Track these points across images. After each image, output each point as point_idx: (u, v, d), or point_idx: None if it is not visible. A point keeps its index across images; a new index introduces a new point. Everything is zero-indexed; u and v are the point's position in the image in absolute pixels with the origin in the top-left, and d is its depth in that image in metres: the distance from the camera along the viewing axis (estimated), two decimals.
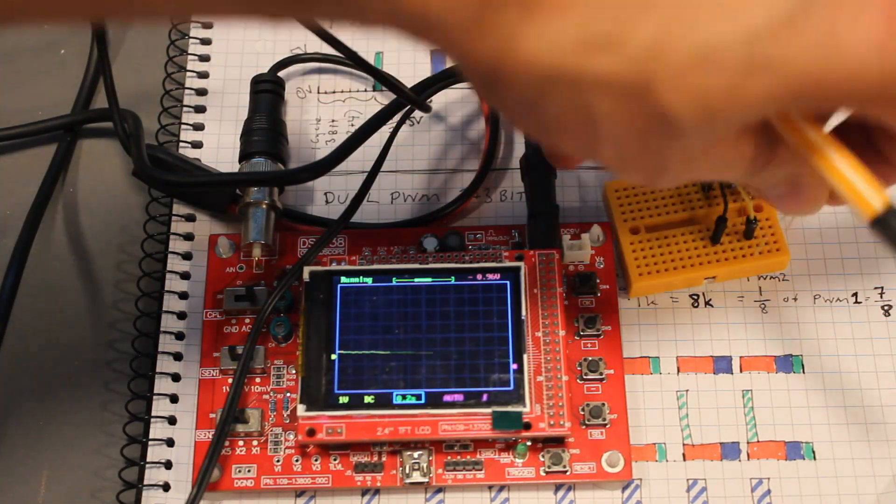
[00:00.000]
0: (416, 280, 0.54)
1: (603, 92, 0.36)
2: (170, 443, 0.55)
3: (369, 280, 0.54)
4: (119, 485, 0.54)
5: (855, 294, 0.57)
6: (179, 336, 0.57)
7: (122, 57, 0.65)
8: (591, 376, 0.54)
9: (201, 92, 0.63)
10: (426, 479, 0.52)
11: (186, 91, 0.63)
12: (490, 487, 0.53)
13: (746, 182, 0.43)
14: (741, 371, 0.55)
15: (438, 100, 0.62)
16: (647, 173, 0.41)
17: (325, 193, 0.60)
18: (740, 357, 0.56)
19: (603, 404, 0.53)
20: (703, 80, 0.35)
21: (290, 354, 0.55)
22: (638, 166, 0.40)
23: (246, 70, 0.63)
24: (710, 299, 0.57)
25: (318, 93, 0.64)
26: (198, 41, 0.65)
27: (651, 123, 0.37)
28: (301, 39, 0.65)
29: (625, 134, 0.38)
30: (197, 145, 0.62)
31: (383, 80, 0.56)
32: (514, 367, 0.52)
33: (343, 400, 0.52)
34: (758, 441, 0.54)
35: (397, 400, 0.52)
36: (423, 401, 0.51)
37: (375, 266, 0.55)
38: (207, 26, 0.65)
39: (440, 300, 0.53)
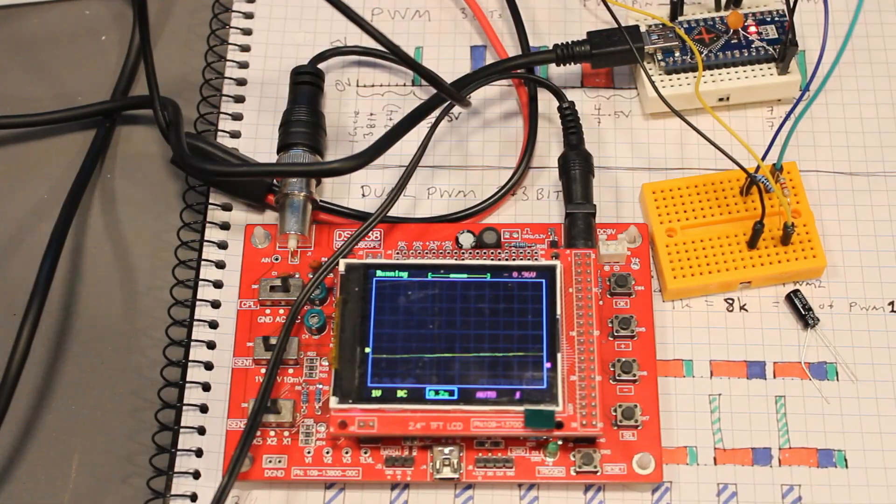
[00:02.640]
0: (451, 276, 0.54)
1: None
2: (201, 431, 0.55)
3: (405, 274, 0.54)
4: (149, 471, 0.54)
5: (892, 303, 0.57)
6: (213, 325, 0.57)
7: (162, 45, 0.66)
8: (624, 377, 0.54)
9: (241, 82, 0.63)
10: (456, 475, 0.52)
11: (226, 81, 0.63)
12: (520, 485, 0.53)
13: None
14: (774, 377, 0.55)
15: (477, 96, 0.62)
16: None
17: (362, 186, 0.60)
18: (774, 363, 0.56)
19: (635, 406, 0.53)
20: None
21: (324, 346, 0.55)
22: None
23: (286, 61, 0.64)
24: (745, 304, 0.57)
25: (358, 86, 0.64)
26: (238, 31, 0.65)
27: None
28: (341, 32, 0.65)
29: None
30: (235, 135, 0.62)
31: (424, 74, 0.56)
32: (547, 365, 0.52)
33: (376, 393, 0.52)
34: (789, 447, 0.54)
35: (430, 395, 0.52)
36: (455, 397, 0.51)
37: (411, 261, 0.54)
38: (249, 17, 0.65)
39: (475, 297, 0.53)
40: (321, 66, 0.62)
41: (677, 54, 0.60)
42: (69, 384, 0.57)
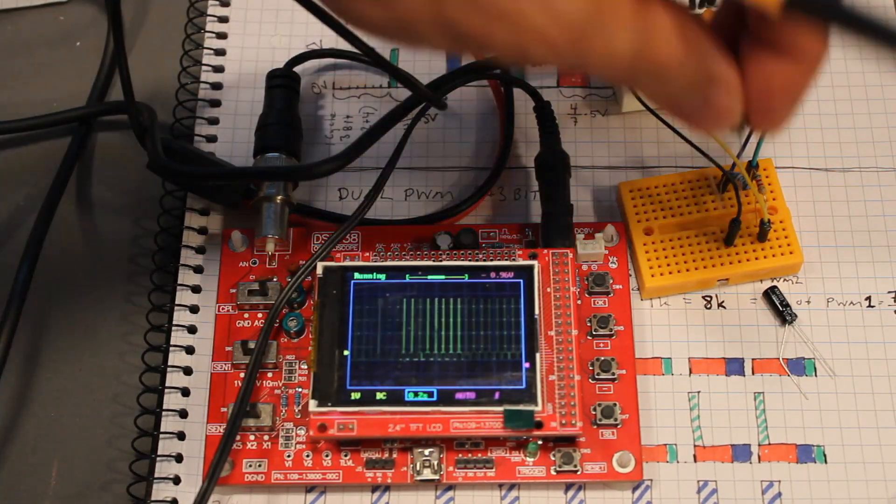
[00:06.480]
0: (429, 277, 0.54)
1: None
2: (181, 436, 0.55)
3: (382, 276, 0.54)
4: (130, 477, 0.54)
5: (868, 298, 0.57)
6: (191, 330, 0.57)
7: (137, 50, 0.65)
8: (603, 376, 0.54)
9: (216, 86, 0.63)
10: (437, 477, 0.52)
11: (202, 85, 0.63)
12: (500, 486, 0.53)
13: (655, 81, 0.41)
14: (753, 373, 0.55)
15: (454, 97, 0.62)
16: (512, 34, 0.38)
17: (339, 189, 0.60)
18: (752, 359, 0.56)
19: (614, 404, 0.53)
20: None
21: (303, 350, 0.55)
22: (495, 24, 0.38)
23: (261, 65, 0.63)
24: (723, 301, 0.57)
25: (334, 88, 0.64)
26: (213, 35, 0.65)
27: None
28: (317, 34, 0.65)
29: None
30: (211, 139, 0.62)
31: (399, 76, 0.56)
32: (526, 365, 0.52)
33: (355, 396, 0.52)
34: (769, 444, 0.54)
35: (409, 397, 0.52)
36: (434, 398, 0.51)
37: (389, 262, 0.54)
38: (223, 20, 0.65)
39: (453, 298, 0.53)
40: (297, 69, 0.62)
41: None
42: (48, 391, 0.57)
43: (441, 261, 0.55)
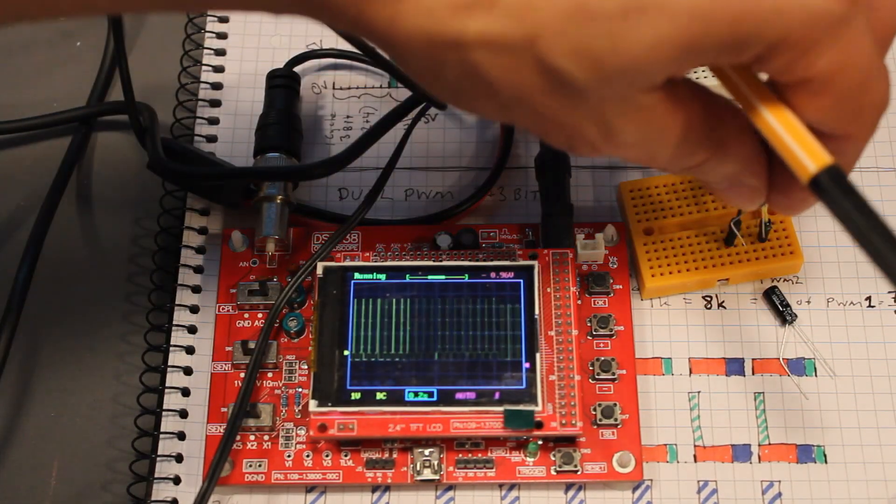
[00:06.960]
0: (429, 277, 0.54)
1: (486, 52, 0.36)
2: (181, 436, 0.55)
3: (383, 276, 0.54)
4: (130, 477, 0.54)
5: (868, 298, 0.57)
6: (192, 330, 0.57)
7: (138, 50, 0.65)
8: (603, 376, 0.54)
9: (216, 86, 0.63)
10: (437, 477, 0.52)
11: (202, 85, 0.63)
12: (501, 486, 0.53)
13: (685, 172, 0.43)
14: (753, 374, 0.55)
15: None
16: (566, 139, 0.40)
17: (340, 189, 0.60)
18: (752, 359, 0.56)
19: (615, 404, 0.53)
20: (582, 29, 0.35)
21: (303, 350, 0.55)
22: (553, 130, 0.40)
23: (261, 65, 0.64)
24: (723, 301, 0.57)
25: (334, 88, 0.64)
26: (214, 35, 0.65)
27: (546, 82, 0.36)
28: (317, 35, 0.65)
29: (525, 95, 0.37)
30: (211, 139, 0.62)
31: (399, 76, 0.56)
32: (526, 365, 0.52)
33: (355, 396, 0.52)
34: (769, 444, 0.54)
35: (409, 397, 0.52)
36: (435, 398, 0.51)
37: (389, 263, 0.55)
38: (224, 20, 0.65)
39: (453, 298, 0.53)
40: (297, 69, 0.62)
41: None
42: (48, 391, 0.57)
43: (441, 261, 0.55)
